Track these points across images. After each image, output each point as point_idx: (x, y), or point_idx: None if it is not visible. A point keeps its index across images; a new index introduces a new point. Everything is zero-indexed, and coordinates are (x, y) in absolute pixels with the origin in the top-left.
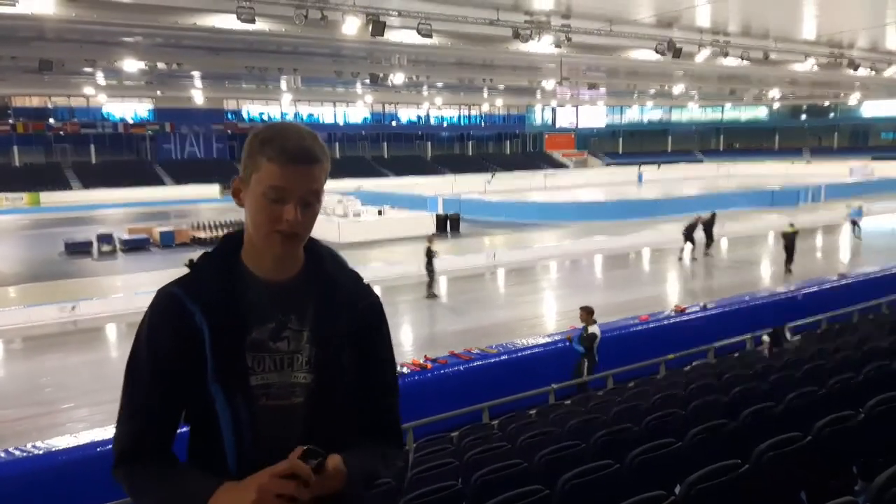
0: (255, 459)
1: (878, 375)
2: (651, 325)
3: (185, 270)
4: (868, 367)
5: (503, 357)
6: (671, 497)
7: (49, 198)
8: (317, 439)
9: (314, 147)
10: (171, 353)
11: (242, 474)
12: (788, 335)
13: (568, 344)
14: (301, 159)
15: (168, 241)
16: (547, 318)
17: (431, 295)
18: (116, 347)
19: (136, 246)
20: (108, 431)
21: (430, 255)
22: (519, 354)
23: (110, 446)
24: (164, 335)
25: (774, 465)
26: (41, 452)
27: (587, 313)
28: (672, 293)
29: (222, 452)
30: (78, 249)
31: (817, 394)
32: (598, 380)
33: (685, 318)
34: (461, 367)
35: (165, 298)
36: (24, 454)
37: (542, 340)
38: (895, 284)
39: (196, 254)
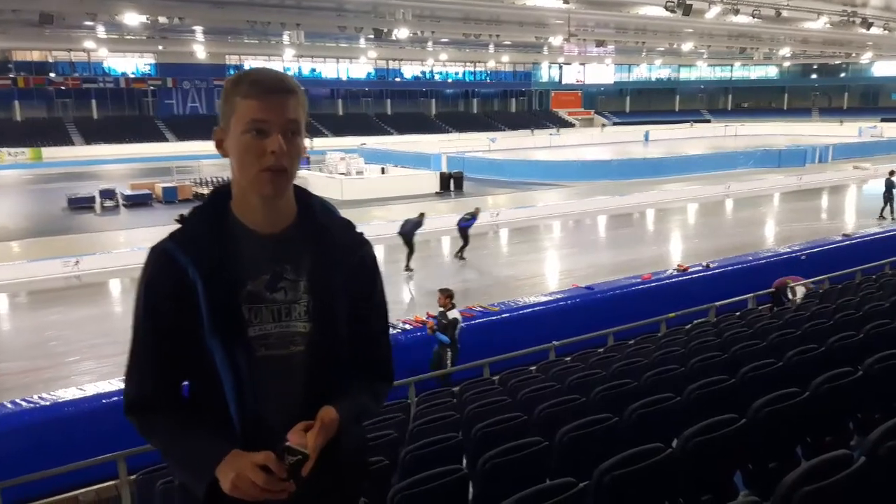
0: (256, 411)
1: (878, 335)
2: (653, 284)
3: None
4: (868, 326)
5: (505, 315)
6: (668, 450)
7: (51, 153)
8: (318, 386)
9: (287, 79)
10: (166, 308)
11: (245, 427)
12: (790, 294)
13: (430, 334)
14: (276, 89)
15: (171, 197)
16: (549, 276)
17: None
18: (120, 302)
19: (138, 201)
20: (115, 384)
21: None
22: (521, 312)
23: (117, 398)
24: (158, 291)
25: (771, 420)
26: (48, 404)
27: (446, 297)
28: (675, 252)
29: (224, 406)
30: (81, 205)
31: (817, 352)
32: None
33: (687, 276)
34: (464, 324)
35: (157, 254)
36: (32, 405)
37: (543, 299)
38: None
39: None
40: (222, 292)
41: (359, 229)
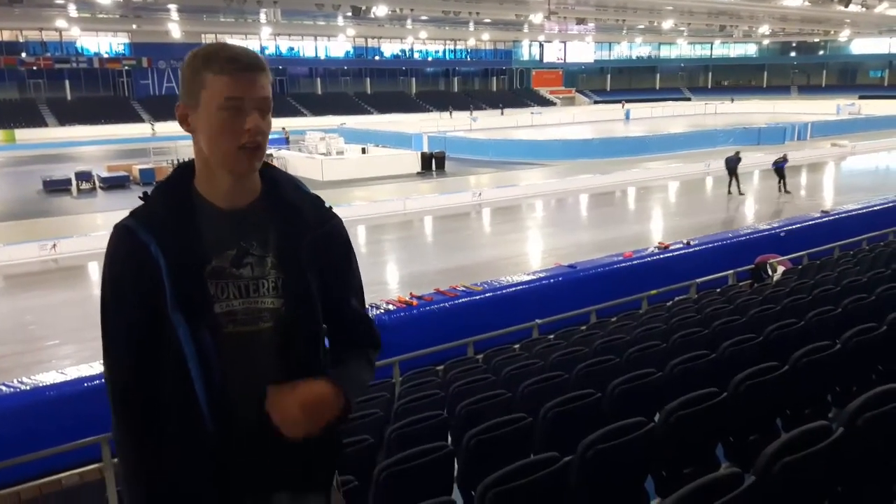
0: (224, 389)
1: (855, 309)
2: (635, 262)
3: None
4: (846, 301)
5: (488, 294)
6: (650, 424)
7: (24, 135)
8: (288, 362)
9: (259, 56)
10: (131, 286)
11: (212, 406)
12: (770, 270)
13: None
14: (252, 67)
15: (148, 179)
16: (531, 255)
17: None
18: (99, 285)
19: (115, 184)
20: (96, 367)
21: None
22: (503, 291)
23: (99, 381)
24: (122, 269)
25: (751, 393)
26: (28, 388)
27: None
28: (656, 230)
29: (191, 384)
30: (57, 187)
31: (796, 326)
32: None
33: (668, 254)
34: (446, 304)
35: (120, 232)
36: (12, 390)
37: (526, 278)
38: (876, 221)
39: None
40: (186, 268)
41: (328, 204)
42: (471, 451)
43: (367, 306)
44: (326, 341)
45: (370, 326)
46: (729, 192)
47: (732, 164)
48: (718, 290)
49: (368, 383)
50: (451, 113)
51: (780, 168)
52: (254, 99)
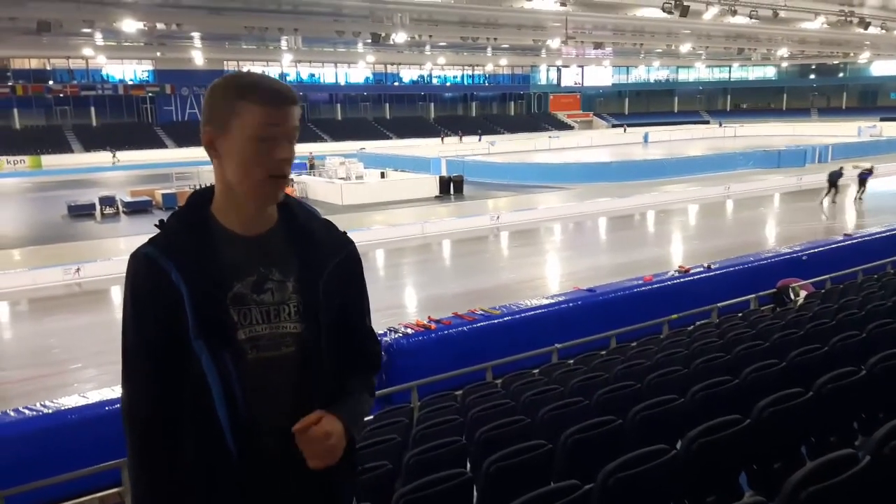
0: (248, 415)
1: (880, 334)
2: (655, 286)
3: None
4: (871, 325)
5: (507, 318)
6: (672, 451)
7: (50, 160)
8: (308, 385)
9: (292, 90)
10: (153, 314)
11: (236, 432)
12: (793, 294)
13: None
14: (290, 100)
15: (171, 204)
16: (550, 279)
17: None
18: (121, 309)
19: (138, 208)
20: (117, 391)
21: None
22: (522, 315)
23: (120, 405)
24: (143, 297)
25: (775, 420)
26: (51, 412)
27: None
28: (676, 254)
29: (214, 412)
30: (81, 212)
31: (820, 352)
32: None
33: (689, 278)
34: (465, 328)
35: (139, 260)
36: (34, 413)
37: (545, 301)
38: None
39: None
40: (208, 295)
41: (341, 229)
42: (490, 478)
43: (371, 324)
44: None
45: (375, 345)
46: (825, 202)
47: (835, 178)
48: (740, 314)
49: (368, 414)
50: (461, 138)
51: (864, 178)
52: (287, 130)
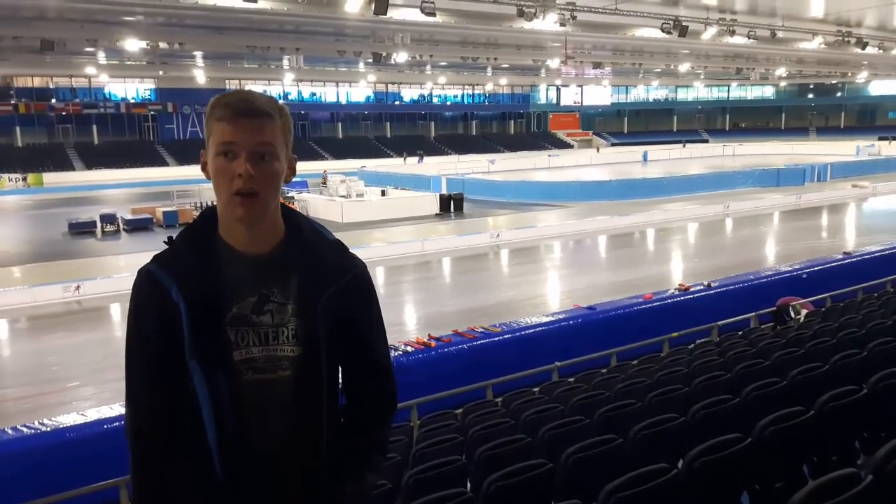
0: (239, 437)
1: (881, 352)
2: (655, 304)
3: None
4: (872, 343)
5: (507, 335)
6: (674, 470)
7: (52, 178)
8: (304, 411)
9: (260, 101)
10: (153, 330)
11: (224, 454)
12: (793, 312)
13: None
14: (245, 113)
15: (171, 221)
16: (550, 297)
17: None
18: (121, 326)
19: (139, 226)
20: (117, 409)
21: None
22: (522, 333)
23: (119, 423)
24: (144, 313)
25: (776, 439)
26: (49, 430)
27: None
28: (676, 272)
29: (203, 430)
30: (82, 229)
31: (821, 370)
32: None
33: (689, 296)
34: (465, 346)
35: (142, 276)
36: (33, 431)
37: (545, 319)
38: None
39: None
40: (206, 314)
41: (352, 251)
42: (490, 497)
43: (390, 358)
44: (342, 397)
45: (387, 383)
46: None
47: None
48: (740, 332)
49: (378, 475)
50: (419, 158)
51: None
52: (247, 144)
